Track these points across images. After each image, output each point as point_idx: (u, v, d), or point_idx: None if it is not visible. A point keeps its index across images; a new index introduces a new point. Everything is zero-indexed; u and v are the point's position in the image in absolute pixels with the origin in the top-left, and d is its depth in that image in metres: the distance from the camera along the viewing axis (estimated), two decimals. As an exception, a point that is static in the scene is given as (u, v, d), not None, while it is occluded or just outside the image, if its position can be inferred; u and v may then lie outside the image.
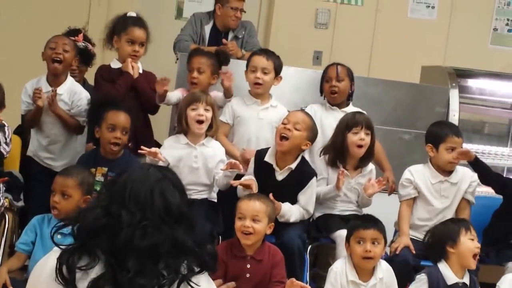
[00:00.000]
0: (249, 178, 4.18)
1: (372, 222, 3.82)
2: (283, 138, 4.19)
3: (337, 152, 4.41)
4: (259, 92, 4.63)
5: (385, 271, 3.83)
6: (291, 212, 4.22)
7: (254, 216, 3.71)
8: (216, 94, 4.69)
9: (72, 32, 4.84)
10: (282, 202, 4.18)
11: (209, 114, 4.26)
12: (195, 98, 4.28)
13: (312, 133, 4.27)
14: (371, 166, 4.49)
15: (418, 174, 4.47)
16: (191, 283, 1.93)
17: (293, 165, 4.25)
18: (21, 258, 3.71)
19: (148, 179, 2.03)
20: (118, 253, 1.91)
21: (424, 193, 4.45)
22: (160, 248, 1.93)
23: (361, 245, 3.74)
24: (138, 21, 4.63)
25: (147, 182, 2.02)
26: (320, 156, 4.49)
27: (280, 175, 4.26)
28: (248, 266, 3.74)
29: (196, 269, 1.97)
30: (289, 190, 4.25)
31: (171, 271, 1.92)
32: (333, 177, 4.39)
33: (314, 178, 4.32)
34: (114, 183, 2.05)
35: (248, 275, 3.73)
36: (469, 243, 3.84)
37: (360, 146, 4.36)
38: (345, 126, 4.38)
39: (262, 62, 4.60)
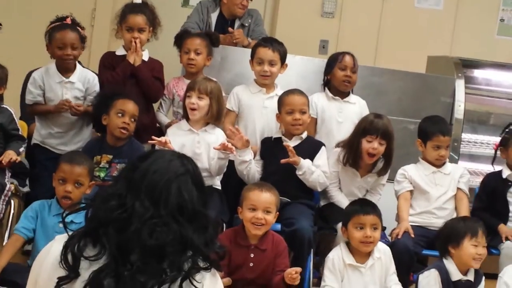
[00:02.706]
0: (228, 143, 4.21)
1: (371, 207, 3.89)
2: (297, 128, 4.33)
3: (351, 154, 4.42)
4: (266, 83, 4.65)
5: (381, 251, 3.90)
6: (311, 169, 4.30)
7: (266, 208, 3.75)
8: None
9: (60, 20, 4.82)
10: (293, 170, 4.29)
11: (202, 102, 4.29)
12: (189, 86, 4.36)
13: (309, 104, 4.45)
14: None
15: (411, 170, 4.56)
16: (194, 281, 1.90)
17: (304, 135, 4.40)
18: (19, 242, 3.70)
19: (168, 172, 1.98)
20: (124, 246, 1.88)
21: (419, 184, 4.52)
22: (167, 247, 1.90)
23: (360, 230, 3.79)
24: (136, 8, 4.60)
25: (167, 176, 1.97)
26: (335, 148, 4.51)
27: (290, 143, 4.35)
28: (252, 255, 3.76)
29: (202, 265, 1.94)
30: (301, 157, 4.31)
31: (174, 269, 1.89)
32: (345, 174, 4.46)
33: (324, 147, 4.44)
34: (135, 169, 2.00)
35: (251, 264, 3.75)
36: (470, 249, 3.84)
37: (372, 155, 4.36)
38: (362, 129, 4.37)
39: (269, 54, 4.60)
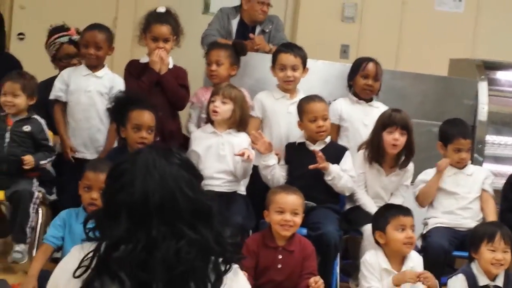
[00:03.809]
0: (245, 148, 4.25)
1: (408, 209, 3.90)
2: (321, 134, 4.37)
3: (374, 150, 4.44)
4: (290, 88, 4.67)
5: (415, 260, 3.89)
6: (340, 174, 4.32)
7: (294, 210, 3.80)
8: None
9: (56, 30, 4.88)
10: (318, 174, 4.30)
11: (225, 107, 4.33)
12: (214, 91, 4.41)
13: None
14: (409, 166, 4.53)
15: (431, 173, 4.57)
16: None
17: (327, 139, 4.42)
18: (48, 251, 3.78)
19: (163, 179, 1.82)
20: (146, 280, 1.76)
21: (441, 185, 4.52)
22: (193, 263, 1.78)
23: (402, 232, 3.80)
24: (161, 18, 4.63)
25: (166, 185, 1.82)
26: (358, 151, 4.53)
27: (315, 147, 4.38)
28: (280, 257, 3.79)
29: (223, 269, 1.87)
30: (326, 159, 4.32)
31: (199, 286, 1.80)
32: (371, 173, 4.46)
33: (348, 151, 4.46)
34: (126, 192, 1.81)
35: (279, 266, 3.78)
36: (487, 254, 3.80)
37: (394, 146, 4.38)
38: (381, 124, 4.41)
39: (291, 60, 4.62)
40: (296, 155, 4.44)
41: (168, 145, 4.23)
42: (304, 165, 4.31)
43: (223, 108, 4.34)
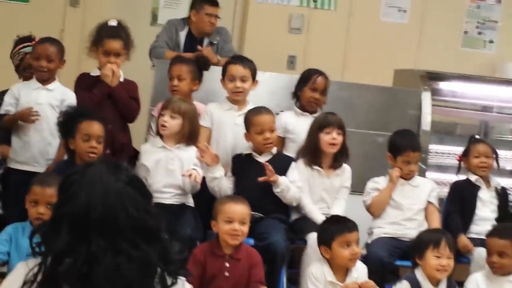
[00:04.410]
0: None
1: (353, 224, 3.93)
2: (267, 146, 4.43)
3: (312, 153, 4.53)
4: (239, 99, 4.71)
5: (359, 270, 3.94)
6: (288, 186, 4.38)
7: (242, 220, 3.85)
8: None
9: (22, 40, 4.87)
10: (266, 185, 4.35)
11: (174, 122, 4.34)
12: (164, 105, 4.41)
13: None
14: (346, 166, 4.62)
15: (381, 182, 4.66)
16: None
17: (274, 150, 4.48)
18: None
19: (106, 195, 1.82)
20: None
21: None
22: (134, 279, 1.79)
23: (347, 248, 3.83)
24: (113, 32, 4.62)
25: (108, 202, 1.82)
26: (297, 160, 4.58)
27: (261, 158, 4.44)
28: (227, 265, 3.84)
29: (170, 283, 1.87)
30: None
31: None
32: (312, 177, 4.54)
33: (294, 162, 4.53)
34: (70, 204, 1.83)
35: (227, 274, 3.83)
36: (432, 260, 3.87)
37: (332, 145, 4.49)
38: (318, 126, 4.51)
39: (240, 71, 4.66)
40: (243, 167, 4.48)
41: (119, 159, 4.28)
42: (251, 177, 4.36)
43: (172, 123, 4.35)
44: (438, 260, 3.87)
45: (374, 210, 4.63)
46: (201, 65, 4.84)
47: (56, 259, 1.80)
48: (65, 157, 4.50)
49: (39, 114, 4.46)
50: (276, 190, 4.38)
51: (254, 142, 4.46)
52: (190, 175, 4.22)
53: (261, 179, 4.31)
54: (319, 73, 4.88)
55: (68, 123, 4.26)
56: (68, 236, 1.80)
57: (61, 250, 1.79)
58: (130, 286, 1.79)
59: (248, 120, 4.48)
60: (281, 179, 4.37)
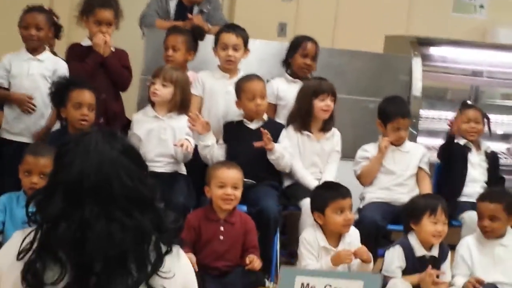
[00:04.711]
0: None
1: (346, 190, 3.95)
2: (259, 113, 4.45)
3: (303, 118, 4.57)
4: (231, 68, 4.72)
5: (352, 236, 3.97)
6: (283, 153, 4.43)
7: (234, 184, 3.91)
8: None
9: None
10: (258, 151, 4.40)
11: (165, 90, 4.36)
12: (155, 73, 4.42)
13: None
14: (335, 130, 4.69)
15: (370, 149, 4.70)
16: (161, 274, 1.85)
17: (265, 117, 4.52)
18: None
19: (101, 163, 1.83)
20: (85, 262, 1.78)
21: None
22: (129, 249, 1.80)
23: (340, 214, 3.86)
24: (104, 2, 4.63)
25: (101, 167, 1.82)
26: (287, 127, 4.61)
27: (252, 125, 4.48)
28: (222, 228, 3.91)
29: (164, 250, 1.88)
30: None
31: (139, 268, 1.81)
32: (302, 142, 4.58)
33: (284, 130, 4.57)
34: (64, 171, 1.84)
35: (221, 238, 3.90)
36: (429, 226, 3.92)
37: (325, 111, 4.55)
38: (312, 92, 4.54)
39: (232, 39, 4.67)
40: (234, 134, 4.51)
41: (112, 128, 4.32)
42: (242, 144, 4.40)
43: (163, 91, 4.36)
44: (435, 226, 3.92)
45: (364, 180, 4.67)
46: (196, 35, 4.83)
47: (51, 226, 1.81)
48: (58, 126, 4.53)
49: (35, 107, 4.48)
50: (271, 157, 4.42)
51: (246, 109, 4.48)
52: (182, 145, 4.23)
53: (257, 144, 4.33)
54: (309, 39, 4.90)
55: (60, 92, 4.27)
56: (62, 203, 1.81)
57: (56, 216, 1.81)
58: (123, 253, 1.80)
59: (239, 87, 4.49)
60: (277, 146, 4.41)
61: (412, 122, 5.04)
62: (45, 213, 1.84)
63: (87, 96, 4.23)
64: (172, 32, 4.78)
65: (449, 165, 4.90)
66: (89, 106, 4.22)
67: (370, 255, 3.82)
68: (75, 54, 4.67)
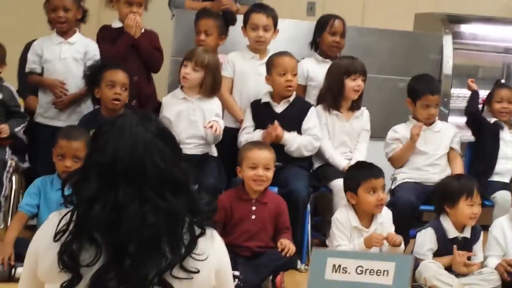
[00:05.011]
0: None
1: (379, 170, 3.96)
2: (289, 89, 4.42)
3: (334, 97, 4.56)
4: (261, 48, 4.71)
5: (384, 216, 3.97)
6: (293, 139, 4.40)
7: (266, 165, 3.91)
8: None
9: None
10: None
11: (196, 75, 4.35)
12: (187, 56, 4.41)
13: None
14: (364, 109, 4.67)
15: (401, 130, 4.66)
16: (195, 256, 1.85)
17: (291, 98, 4.47)
18: (23, 219, 3.84)
19: (135, 144, 1.84)
20: (120, 243, 1.80)
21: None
22: (163, 231, 1.82)
23: (373, 194, 3.86)
24: None
25: (135, 149, 1.84)
26: (316, 106, 4.60)
27: (278, 108, 4.45)
28: (254, 208, 3.94)
29: (197, 232, 1.88)
30: (289, 122, 4.42)
31: (173, 250, 1.82)
32: (331, 122, 4.57)
33: (313, 108, 4.53)
34: (99, 153, 1.86)
35: (253, 217, 3.93)
36: (466, 209, 3.91)
37: (356, 91, 4.54)
38: (344, 71, 4.52)
39: (263, 20, 4.65)
40: (260, 115, 4.48)
41: (145, 110, 4.35)
42: (267, 123, 4.38)
43: (193, 76, 4.36)
44: (471, 208, 3.92)
45: (395, 164, 4.66)
46: (227, 20, 4.82)
47: (86, 207, 1.82)
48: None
49: (67, 91, 4.50)
50: (282, 143, 4.40)
51: (275, 85, 4.46)
52: (211, 127, 4.24)
53: (263, 138, 4.29)
54: (335, 17, 4.89)
55: (95, 73, 4.31)
56: (96, 185, 1.83)
57: (91, 197, 1.82)
58: (157, 235, 1.82)
59: (271, 62, 4.48)
60: (285, 137, 4.38)
61: (443, 101, 5.00)
62: (81, 195, 1.85)
63: (120, 75, 4.28)
64: (204, 16, 4.76)
65: (481, 142, 4.89)
66: (122, 85, 4.26)
67: (401, 239, 3.82)
68: (106, 37, 4.69)
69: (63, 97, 4.52)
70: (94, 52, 4.60)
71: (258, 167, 3.90)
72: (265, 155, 3.94)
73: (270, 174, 3.93)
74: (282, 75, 4.41)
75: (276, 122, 4.33)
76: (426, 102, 4.60)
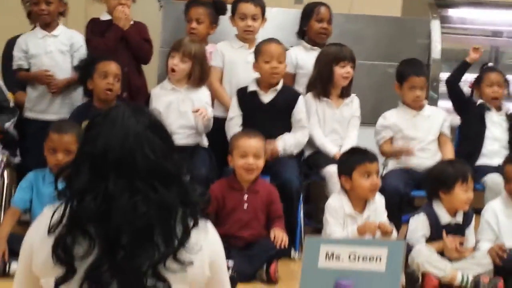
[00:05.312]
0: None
1: (373, 155, 3.97)
2: (274, 76, 4.40)
3: (323, 85, 4.57)
4: (250, 37, 4.71)
5: (377, 202, 3.99)
6: (286, 143, 4.40)
7: (255, 153, 3.93)
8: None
9: None
10: (273, 125, 4.37)
11: (184, 66, 4.37)
12: (174, 47, 4.42)
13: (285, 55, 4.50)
14: (353, 96, 4.69)
15: (391, 116, 4.68)
16: (188, 247, 1.84)
17: (278, 87, 4.45)
18: (16, 214, 3.84)
19: (126, 136, 1.84)
20: (112, 235, 1.79)
21: (401, 127, 4.63)
22: (154, 222, 1.81)
23: (367, 178, 3.87)
24: None
25: (125, 140, 1.84)
26: (306, 93, 4.61)
27: (266, 97, 4.45)
28: (245, 197, 3.95)
29: (190, 224, 1.87)
30: (277, 111, 4.43)
31: (167, 241, 1.82)
32: (321, 109, 4.58)
33: (301, 96, 4.53)
34: (91, 144, 1.86)
35: (245, 206, 3.95)
36: (461, 194, 3.91)
37: (345, 78, 4.55)
38: (333, 59, 4.54)
39: (251, 9, 4.67)
40: (247, 104, 4.47)
41: (136, 102, 4.36)
42: (256, 116, 4.39)
43: (181, 67, 4.38)
44: (466, 193, 3.92)
45: (384, 155, 4.67)
46: (218, 9, 4.82)
47: (78, 199, 1.83)
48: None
49: (54, 76, 4.50)
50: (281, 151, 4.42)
51: (261, 72, 4.45)
52: (198, 111, 4.24)
53: (267, 158, 4.24)
54: (321, 3, 4.91)
55: (87, 66, 4.33)
56: (88, 176, 1.83)
57: (82, 188, 1.82)
58: (149, 227, 1.82)
59: (258, 49, 4.48)
60: (280, 146, 4.37)
61: (432, 85, 5.02)
62: (73, 186, 1.86)
63: (113, 66, 4.31)
64: (195, 4, 4.77)
65: (466, 124, 4.92)
66: (115, 76, 4.29)
67: (392, 228, 3.84)
68: (95, 29, 4.68)
69: (55, 81, 4.50)
70: (80, 43, 4.61)
71: (248, 155, 3.92)
72: (255, 144, 3.95)
73: (260, 162, 3.94)
74: (268, 62, 4.41)
75: (269, 144, 4.29)
76: (412, 84, 4.61)
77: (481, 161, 4.76)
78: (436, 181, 4.00)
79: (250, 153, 3.92)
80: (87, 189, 1.82)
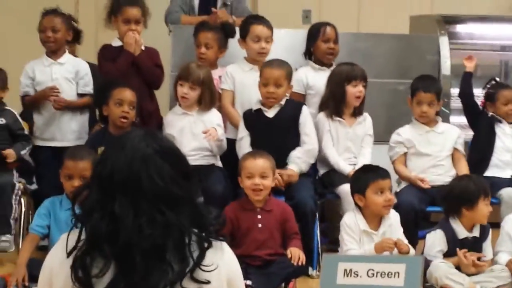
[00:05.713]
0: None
1: (385, 171, 3.98)
2: (270, 100, 4.42)
3: (336, 104, 4.58)
4: (263, 60, 4.72)
5: (392, 219, 3.99)
6: (299, 164, 4.40)
7: (262, 174, 3.93)
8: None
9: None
10: (281, 138, 4.40)
11: (194, 93, 4.42)
12: (183, 75, 4.46)
13: (290, 76, 4.50)
14: (366, 115, 4.70)
15: (405, 132, 4.67)
16: (204, 267, 1.87)
17: (282, 102, 4.47)
18: (35, 240, 3.89)
19: (133, 159, 1.88)
20: (125, 254, 1.82)
21: (414, 143, 4.62)
22: (163, 242, 1.84)
23: (381, 195, 3.88)
24: (131, 0, 4.68)
25: (132, 164, 1.87)
26: (319, 112, 4.63)
27: (270, 113, 4.46)
28: (259, 216, 3.96)
29: (206, 245, 1.90)
30: (283, 124, 4.44)
31: (180, 261, 1.85)
32: (334, 128, 4.59)
33: (305, 107, 4.55)
34: (101, 166, 1.91)
35: (260, 225, 3.94)
36: (485, 209, 3.94)
37: (358, 97, 4.56)
38: (345, 78, 4.55)
39: (265, 32, 4.71)
40: (253, 123, 4.49)
41: (148, 127, 4.39)
42: (261, 133, 4.41)
43: (192, 95, 4.43)
44: (487, 207, 3.95)
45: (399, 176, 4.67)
46: (227, 33, 4.85)
47: (88, 219, 1.87)
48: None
49: (59, 90, 4.54)
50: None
51: (261, 94, 4.47)
52: (207, 133, 4.27)
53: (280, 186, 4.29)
54: (326, 24, 4.92)
55: (102, 91, 4.36)
56: (96, 195, 1.88)
57: (91, 207, 1.87)
58: (159, 247, 1.84)
59: (261, 70, 4.51)
60: (295, 172, 4.38)
61: (443, 101, 5.03)
62: (84, 206, 1.90)
63: (128, 94, 4.34)
64: (203, 29, 4.79)
65: (477, 134, 4.93)
66: (130, 103, 4.32)
67: (409, 247, 3.85)
68: (106, 55, 4.71)
69: (61, 95, 4.53)
70: (85, 71, 4.66)
71: (254, 176, 3.92)
72: (261, 164, 3.96)
73: (267, 182, 3.94)
74: (265, 85, 4.41)
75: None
76: (419, 99, 4.62)
77: (493, 172, 4.76)
78: (459, 199, 3.99)
79: (256, 173, 3.92)
80: (95, 208, 1.86)
